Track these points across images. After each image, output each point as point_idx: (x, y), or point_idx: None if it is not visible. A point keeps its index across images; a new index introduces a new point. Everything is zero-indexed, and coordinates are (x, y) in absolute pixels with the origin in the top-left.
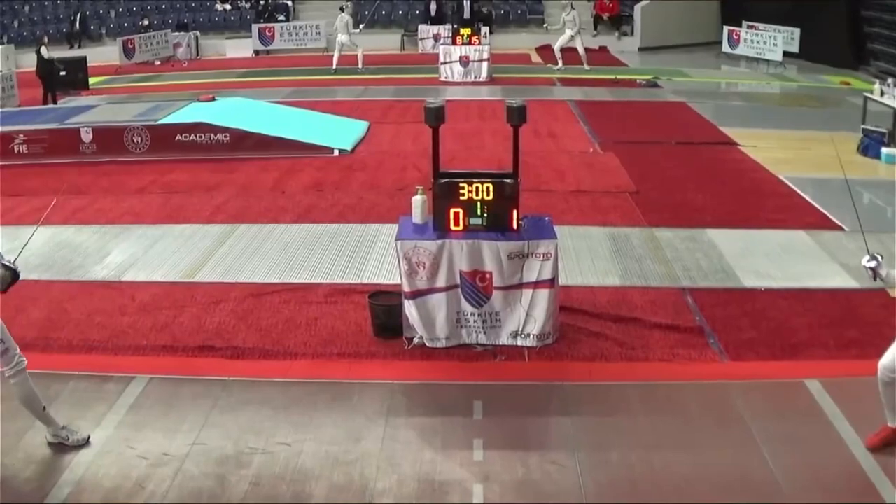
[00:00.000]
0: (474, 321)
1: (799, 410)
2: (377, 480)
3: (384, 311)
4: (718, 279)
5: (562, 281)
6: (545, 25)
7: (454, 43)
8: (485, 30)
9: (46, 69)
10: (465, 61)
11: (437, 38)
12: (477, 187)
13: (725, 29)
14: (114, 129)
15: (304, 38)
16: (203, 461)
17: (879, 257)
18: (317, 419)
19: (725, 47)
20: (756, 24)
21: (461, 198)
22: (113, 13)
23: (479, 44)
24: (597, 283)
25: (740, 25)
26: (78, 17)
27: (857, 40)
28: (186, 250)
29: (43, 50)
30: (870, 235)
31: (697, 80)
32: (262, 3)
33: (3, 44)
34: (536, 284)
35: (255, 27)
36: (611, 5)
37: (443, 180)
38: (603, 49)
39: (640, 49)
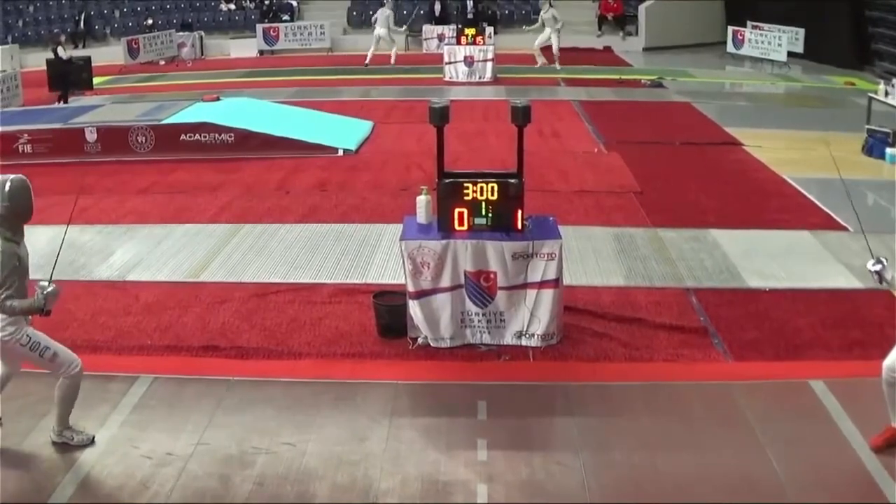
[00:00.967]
0: (479, 321)
1: (803, 411)
2: (381, 481)
3: (388, 311)
4: (723, 279)
5: (566, 281)
6: (523, 26)
7: (459, 43)
8: (489, 30)
9: (63, 69)
10: (469, 61)
11: (441, 38)
12: (481, 187)
13: (730, 29)
14: (118, 128)
15: (309, 38)
16: (207, 461)
17: (885, 260)
18: (321, 419)
19: (730, 47)
20: (760, 24)
21: (465, 198)
22: (117, 13)
23: (484, 44)
24: (601, 283)
25: (745, 26)
26: (82, 17)
27: (861, 41)
28: (191, 250)
29: (60, 50)
30: (873, 236)
31: (702, 80)
32: (266, 3)
33: (7, 44)
34: (541, 284)
35: (259, 27)
36: (615, 5)
37: (447, 180)
38: (607, 49)
39: (645, 49)
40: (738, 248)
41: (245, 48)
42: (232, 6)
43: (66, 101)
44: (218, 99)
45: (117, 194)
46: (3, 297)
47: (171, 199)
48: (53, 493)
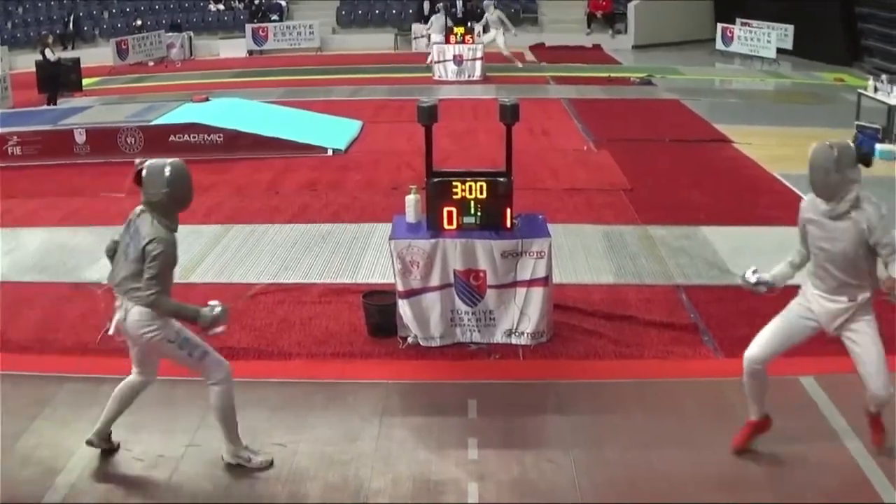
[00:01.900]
0: (468, 320)
1: (793, 406)
2: (372, 480)
3: (378, 310)
4: (712, 276)
5: (556, 279)
6: (477, 32)
7: (448, 42)
8: (478, 28)
9: (51, 70)
10: (458, 60)
11: (430, 37)
12: (470, 186)
13: (719, 26)
14: (107, 130)
15: (298, 37)
16: (199, 462)
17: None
18: (312, 419)
19: (719, 45)
20: (750, 21)
21: (454, 196)
22: (106, 14)
23: (473, 42)
24: (591, 281)
25: (734, 23)
26: (71, 19)
27: (851, 37)
28: (181, 251)
29: (47, 51)
30: None
31: (691, 77)
32: (255, 3)
33: None
34: (530, 283)
35: (248, 27)
36: (604, 3)
37: (436, 179)
38: (597, 47)
39: (634, 47)
40: (729, 244)
41: (234, 48)
42: (221, 6)
43: (54, 103)
44: (207, 99)
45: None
46: (156, 291)
47: None
48: (45, 496)
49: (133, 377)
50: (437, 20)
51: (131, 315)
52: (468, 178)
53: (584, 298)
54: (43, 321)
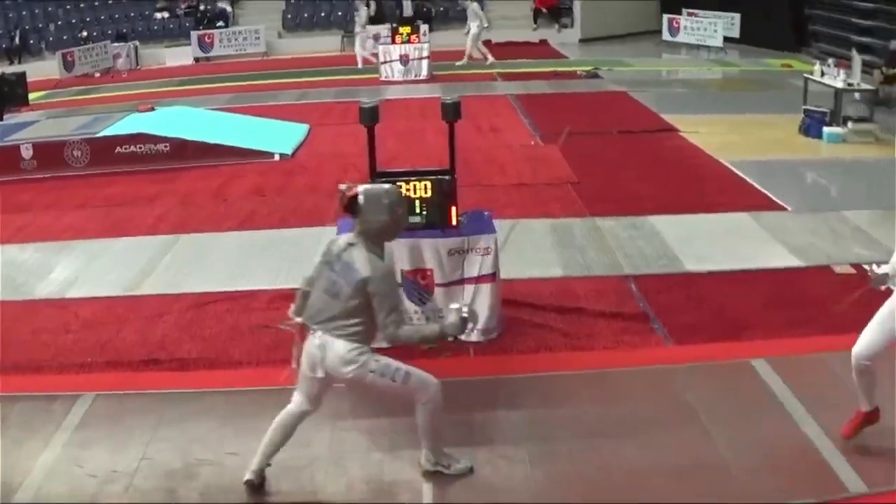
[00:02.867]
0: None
1: (746, 390)
2: (327, 485)
3: None
4: (661, 265)
5: (504, 274)
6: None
7: (394, 42)
8: (424, 28)
9: None
10: (405, 60)
11: (377, 37)
12: (414, 185)
13: (665, 17)
14: (53, 144)
15: (244, 43)
16: (152, 476)
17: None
18: (264, 427)
19: (666, 35)
20: (696, 11)
21: None
22: (52, 27)
23: (419, 42)
24: (540, 275)
25: (680, 13)
26: (18, 33)
27: (798, 23)
28: (129, 263)
29: None
30: (815, 215)
31: (638, 69)
32: (200, 10)
33: None
34: (478, 279)
35: (193, 34)
36: None
37: (380, 180)
38: (543, 42)
39: (581, 41)
40: (677, 233)
41: (180, 56)
42: (166, 14)
43: (0, 119)
44: (152, 109)
45: (55, 210)
46: (394, 320)
47: (108, 213)
48: None
49: (298, 408)
50: (360, 14)
51: (335, 351)
52: (412, 178)
53: (534, 293)
54: None
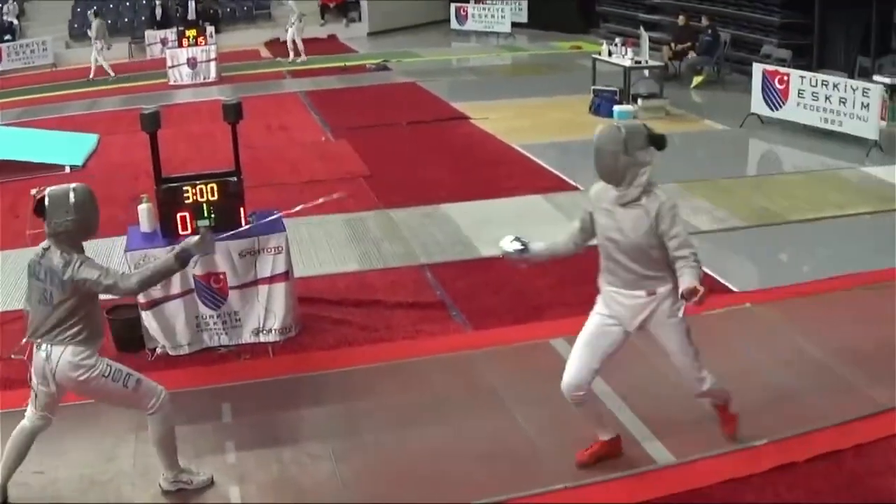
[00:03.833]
0: (214, 323)
1: (547, 370)
2: (134, 497)
3: (123, 325)
4: (456, 252)
5: (300, 272)
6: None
7: (181, 45)
8: (210, 29)
9: None
10: (192, 63)
11: (164, 42)
12: (201, 189)
13: (453, 6)
14: None
15: (32, 55)
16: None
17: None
18: (66, 444)
19: (454, 24)
20: None
21: (186, 201)
22: None
23: (206, 44)
24: (336, 270)
25: (467, 1)
26: None
27: (586, 5)
28: None
29: None
30: None
31: (428, 59)
32: None
33: None
34: (272, 279)
35: None
36: None
37: (166, 186)
38: (332, 37)
39: (369, 34)
40: (470, 219)
41: None
42: None
43: None
44: None
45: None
46: (114, 279)
47: None
48: None
49: (31, 422)
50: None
51: (64, 358)
52: (198, 181)
53: (330, 288)
54: None
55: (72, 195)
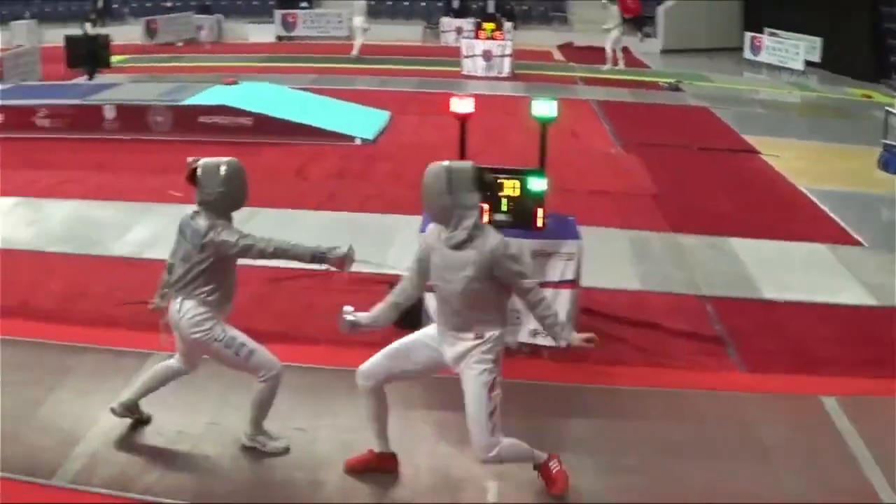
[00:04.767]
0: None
1: (814, 426)
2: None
3: None
4: (739, 289)
5: (582, 282)
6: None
7: (477, 37)
8: (508, 25)
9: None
10: (488, 56)
11: (459, 31)
12: (503, 183)
13: (747, 35)
14: (137, 107)
15: (327, 25)
16: (218, 441)
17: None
18: (334, 406)
19: (747, 53)
20: (777, 31)
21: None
22: None
23: (503, 39)
24: (617, 286)
25: (762, 32)
26: None
27: (879, 53)
28: None
29: (88, 26)
30: (891, 254)
31: (719, 85)
32: None
33: (26, 19)
34: (558, 284)
35: (277, 13)
36: (633, 6)
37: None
38: (625, 50)
39: (663, 51)
40: (755, 257)
41: (263, 33)
42: None
43: (91, 78)
44: (236, 82)
45: (135, 172)
46: (253, 239)
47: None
48: (64, 464)
49: (175, 363)
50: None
51: (185, 311)
52: (502, 175)
53: (610, 302)
54: (67, 292)
55: (223, 168)
